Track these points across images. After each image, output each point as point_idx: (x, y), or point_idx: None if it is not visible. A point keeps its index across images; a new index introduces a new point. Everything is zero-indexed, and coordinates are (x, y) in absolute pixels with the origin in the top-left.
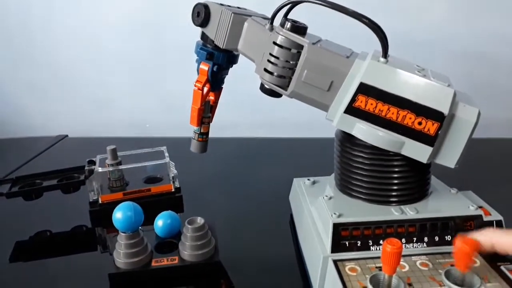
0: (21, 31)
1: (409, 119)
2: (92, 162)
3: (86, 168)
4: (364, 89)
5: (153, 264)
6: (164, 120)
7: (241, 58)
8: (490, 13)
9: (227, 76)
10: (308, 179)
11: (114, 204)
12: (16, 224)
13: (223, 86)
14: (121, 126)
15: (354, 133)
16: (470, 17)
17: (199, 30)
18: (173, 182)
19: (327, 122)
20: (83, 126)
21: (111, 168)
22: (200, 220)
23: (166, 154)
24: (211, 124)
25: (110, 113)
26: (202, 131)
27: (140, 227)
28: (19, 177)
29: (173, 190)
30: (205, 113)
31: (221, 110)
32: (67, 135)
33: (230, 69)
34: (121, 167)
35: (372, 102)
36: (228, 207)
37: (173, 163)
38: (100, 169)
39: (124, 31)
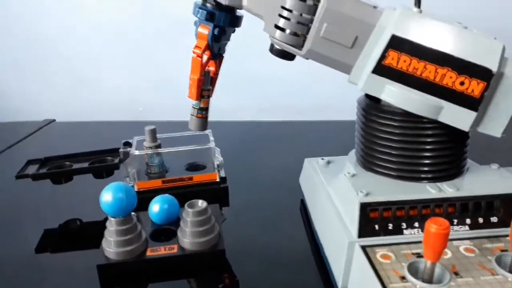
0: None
1: (449, 78)
2: (128, 144)
3: (121, 150)
4: (396, 43)
5: (148, 253)
6: (159, 102)
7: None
8: None
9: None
10: (322, 159)
11: (151, 192)
12: (44, 210)
13: (224, 55)
14: (111, 109)
15: (383, 97)
16: None
17: None
18: (218, 170)
19: (335, 104)
20: (69, 109)
21: (149, 151)
22: (202, 204)
23: (211, 138)
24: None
25: (98, 95)
26: (201, 106)
27: (133, 213)
28: (48, 158)
29: (217, 179)
30: (205, 85)
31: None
32: (54, 120)
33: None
34: (160, 150)
35: (405, 58)
36: (233, 194)
37: (219, 149)
38: (136, 152)
39: (113, 3)
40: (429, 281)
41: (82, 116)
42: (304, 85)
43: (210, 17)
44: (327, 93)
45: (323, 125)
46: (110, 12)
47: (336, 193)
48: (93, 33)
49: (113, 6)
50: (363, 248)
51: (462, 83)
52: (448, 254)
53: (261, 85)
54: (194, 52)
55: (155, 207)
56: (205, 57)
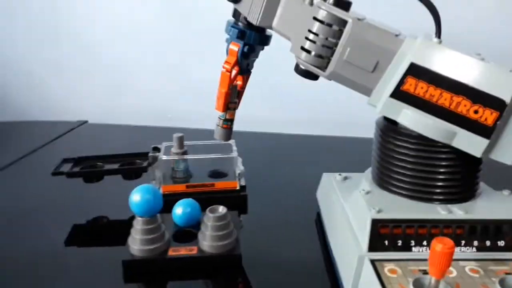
0: (46, 10)
1: (463, 106)
2: (157, 149)
3: (150, 154)
4: (414, 71)
5: (170, 253)
6: (187, 110)
7: (276, 50)
8: None
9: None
10: (340, 174)
11: (175, 196)
12: (74, 206)
13: (252, 71)
14: (141, 113)
15: (400, 120)
16: None
17: (231, 10)
18: (239, 179)
19: (360, 121)
20: (102, 111)
21: (176, 157)
22: (222, 209)
23: (235, 148)
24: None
25: (131, 99)
26: (227, 117)
27: (158, 214)
28: (81, 158)
29: (237, 188)
30: (232, 98)
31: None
32: (87, 121)
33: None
34: (186, 157)
35: (422, 85)
36: (251, 202)
37: (241, 159)
38: (164, 157)
39: (151, 12)
40: None
41: (113, 119)
42: (330, 100)
43: (241, 35)
44: (351, 109)
45: (344, 141)
46: (149, 21)
47: (350, 209)
48: (132, 40)
49: (152, 15)
50: (372, 262)
51: (476, 112)
52: (453, 272)
53: (286, 98)
54: (223, 67)
55: (179, 210)
56: (233, 72)
